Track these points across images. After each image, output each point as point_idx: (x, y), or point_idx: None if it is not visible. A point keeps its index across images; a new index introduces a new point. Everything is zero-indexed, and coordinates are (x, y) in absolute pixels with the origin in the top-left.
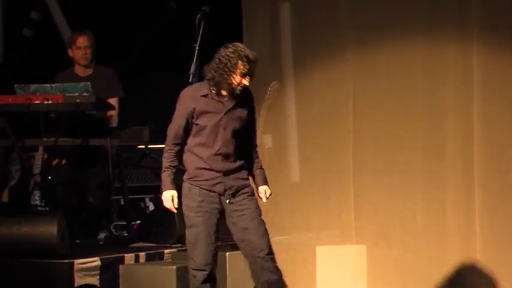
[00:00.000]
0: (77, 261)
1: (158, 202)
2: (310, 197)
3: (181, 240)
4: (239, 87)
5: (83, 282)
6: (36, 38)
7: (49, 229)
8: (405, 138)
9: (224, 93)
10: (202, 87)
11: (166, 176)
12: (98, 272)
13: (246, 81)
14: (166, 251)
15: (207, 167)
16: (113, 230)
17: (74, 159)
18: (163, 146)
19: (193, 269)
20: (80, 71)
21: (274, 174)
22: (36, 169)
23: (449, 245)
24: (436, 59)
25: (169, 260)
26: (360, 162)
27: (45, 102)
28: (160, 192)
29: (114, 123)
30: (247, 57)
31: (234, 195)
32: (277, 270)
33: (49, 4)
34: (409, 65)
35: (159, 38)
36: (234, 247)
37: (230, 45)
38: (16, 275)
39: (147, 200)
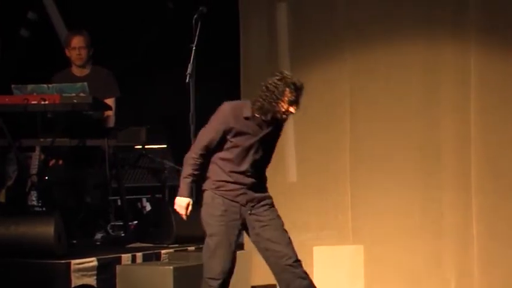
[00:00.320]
0: (73, 261)
1: (155, 202)
2: (307, 197)
3: (178, 240)
4: (284, 115)
5: (80, 283)
6: (33, 39)
7: (46, 229)
8: (402, 139)
9: (268, 119)
10: (245, 108)
11: (186, 183)
12: (95, 272)
13: (292, 109)
14: (163, 251)
15: (231, 180)
16: (110, 230)
17: (71, 159)
18: (160, 146)
19: (209, 278)
20: (76, 71)
21: (271, 175)
22: (33, 169)
23: (446, 246)
24: (434, 59)
25: (166, 260)
26: (357, 163)
27: (42, 102)
28: (162, 193)
29: (111, 123)
30: (294, 84)
31: (255, 206)
32: (306, 275)
33: (46, 4)
34: (406, 65)
35: (156, 38)
36: None
37: (277, 73)
38: (13, 275)
39: (144, 200)
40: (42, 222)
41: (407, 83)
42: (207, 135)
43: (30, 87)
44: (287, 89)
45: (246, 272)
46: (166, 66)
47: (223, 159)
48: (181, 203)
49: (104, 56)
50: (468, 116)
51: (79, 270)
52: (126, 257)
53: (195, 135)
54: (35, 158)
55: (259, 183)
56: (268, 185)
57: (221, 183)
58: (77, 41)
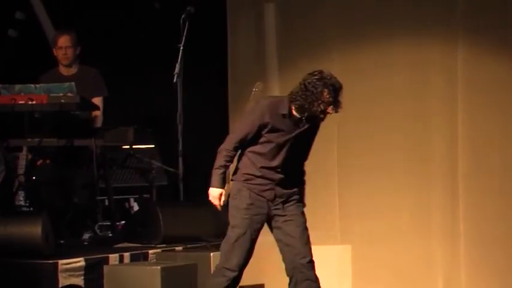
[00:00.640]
0: (61, 261)
1: (143, 202)
2: None
3: (166, 240)
4: (322, 115)
5: (67, 283)
6: (21, 38)
7: (33, 229)
8: (390, 139)
9: (304, 117)
10: (283, 105)
11: (218, 174)
12: (83, 272)
13: (330, 110)
14: (150, 251)
15: (260, 174)
16: (98, 231)
17: (59, 159)
18: (147, 146)
19: (226, 268)
20: (63, 70)
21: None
22: (21, 169)
23: (433, 245)
24: (421, 59)
25: (154, 260)
26: (345, 163)
27: (30, 102)
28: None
29: (99, 123)
30: (333, 85)
31: (284, 202)
32: (317, 278)
33: (34, 4)
34: (394, 65)
35: (143, 38)
36: (219, 248)
37: (316, 72)
38: (0, 275)
39: (131, 200)
40: (29, 222)
41: (395, 83)
42: (242, 128)
43: (17, 87)
44: (325, 90)
45: None
46: (153, 66)
47: (256, 153)
48: (214, 194)
49: (91, 55)
50: (456, 116)
51: (66, 270)
52: (113, 257)
53: (183, 135)
54: (23, 158)
55: (290, 180)
56: None
57: (249, 176)
58: (63, 41)
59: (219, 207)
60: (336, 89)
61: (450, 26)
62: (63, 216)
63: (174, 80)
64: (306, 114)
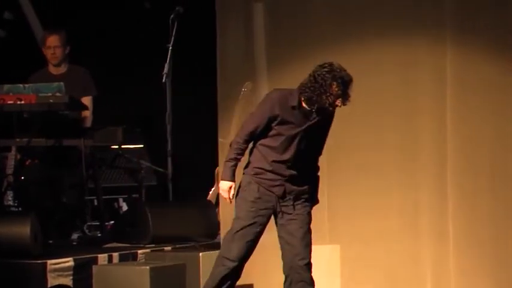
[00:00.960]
0: (50, 261)
1: (131, 202)
2: None
3: (155, 240)
4: (331, 108)
5: (56, 283)
6: (9, 38)
7: (22, 229)
8: (379, 139)
9: (314, 109)
10: (292, 97)
11: (229, 167)
12: (71, 272)
13: (338, 103)
14: (139, 251)
15: (271, 169)
16: (86, 231)
17: (47, 159)
18: (136, 146)
19: (225, 258)
20: (53, 69)
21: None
22: (9, 169)
23: (422, 245)
24: (410, 58)
25: (143, 260)
26: (334, 162)
27: (18, 102)
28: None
29: (88, 123)
30: (342, 78)
31: (295, 199)
32: (312, 281)
33: (22, 4)
34: (382, 64)
35: (133, 38)
36: (208, 248)
37: (326, 64)
38: None
39: (120, 200)
40: (18, 222)
41: (383, 83)
42: (253, 121)
43: (6, 87)
44: (334, 83)
45: None
46: (142, 66)
47: (266, 146)
48: (224, 187)
49: (80, 55)
50: (445, 116)
51: (55, 270)
52: (102, 257)
53: (172, 135)
54: (11, 158)
55: (301, 176)
56: None
57: (260, 170)
58: (52, 40)
59: (228, 201)
60: (344, 82)
61: (439, 25)
62: (52, 216)
63: (163, 80)
64: (315, 106)
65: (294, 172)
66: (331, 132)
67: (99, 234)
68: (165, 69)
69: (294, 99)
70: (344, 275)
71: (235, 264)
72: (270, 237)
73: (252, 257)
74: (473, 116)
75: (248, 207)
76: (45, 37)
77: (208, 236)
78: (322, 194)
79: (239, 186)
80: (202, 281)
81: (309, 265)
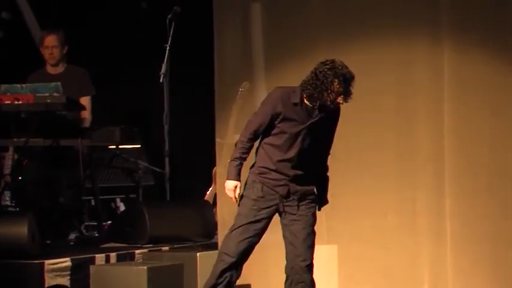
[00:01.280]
0: (47, 261)
1: (129, 203)
2: None
3: (152, 240)
4: (333, 105)
5: (54, 283)
6: (7, 38)
7: (20, 229)
8: (376, 138)
9: (316, 106)
10: (295, 94)
11: (234, 166)
12: (69, 272)
13: (340, 100)
14: (137, 251)
15: (275, 168)
16: (84, 231)
17: (45, 159)
18: (134, 146)
19: (224, 253)
20: (50, 69)
21: (244, 175)
22: (7, 169)
23: (420, 245)
24: (407, 57)
25: (140, 260)
26: (331, 162)
27: (16, 102)
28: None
29: (87, 123)
30: (343, 76)
31: (299, 200)
32: (312, 283)
33: (20, 4)
34: (380, 64)
35: (130, 38)
36: (205, 248)
37: (328, 61)
38: None
39: (118, 200)
40: (15, 222)
41: (381, 82)
42: (256, 119)
43: (3, 87)
44: (336, 80)
45: None
46: (140, 66)
47: (271, 144)
48: (229, 186)
49: (77, 55)
50: (442, 115)
51: (53, 270)
52: (100, 257)
53: (169, 135)
54: (9, 158)
55: (306, 175)
56: (243, 186)
57: (265, 169)
58: (50, 40)
59: (233, 200)
60: (346, 80)
61: (437, 25)
62: (49, 216)
63: (161, 80)
64: (317, 103)
65: (298, 172)
66: None
67: (96, 234)
68: (163, 69)
69: (296, 96)
70: (342, 275)
71: (233, 260)
72: (269, 238)
73: (250, 257)
74: (472, 116)
75: (250, 205)
76: (43, 37)
77: (206, 236)
78: None
79: (245, 184)
80: (200, 281)
81: (310, 266)
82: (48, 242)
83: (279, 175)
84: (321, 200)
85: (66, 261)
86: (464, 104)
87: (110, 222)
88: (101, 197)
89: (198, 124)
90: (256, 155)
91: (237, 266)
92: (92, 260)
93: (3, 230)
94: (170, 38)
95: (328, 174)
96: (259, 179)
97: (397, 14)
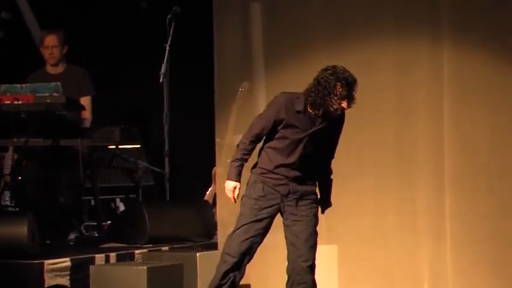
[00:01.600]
0: (47, 261)
1: (129, 203)
2: None
3: (152, 240)
4: (337, 111)
5: (53, 283)
6: (7, 38)
7: (19, 229)
8: (376, 137)
9: (319, 114)
10: (299, 101)
11: (235, 167)
12: (68, 272)
13: (344, 105)
14: (137, 251)
15: (275, 171)
16: (84, 231)
17: (45, 159)
18: (134, 146)
19: (226, 253)
20: (50, 69)
21: (246, 176)
22: (7, 169)
23: (419, 244)
24: (407, 57)
25: (140, 260)
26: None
27: (16, 102)
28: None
29: (87, 123)
30: (346, 79)
31: (298, 200)
32: (314, 283)
33: (20, 4)
34: (380, 64)
35: (130, 38)
36: (205, 248)
37: (330, 67)
38: None
39: (117, 200)
40: (15, 222)
41: (381, 82)
42: (259, 122)
43: (3, 87)
44: (338, 84)
45: None
46: (140, 66)
47: (273, 148)
48: (229, 186)
49: (77, 55)
50: (442, 115)
51: (52, 270)
52: (99, 257)
53: (169, 135)
54: (8, 158)
55: (306, 177)
56: (242, 186)
57: (265, 171)
58: (50, 40)
59: (233, 200)
60: (349, 83)
61: (436, 25)
62: (49, 216)
63: (161, 80)
64: (320, 110)
65: (298, 173)
66: None
67: (96, 234)
68: (163, 69)
69: (300, 104)
70: (342, 275)
71: (235, 259)
72: (270, 238)
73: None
74: (471, 116)
75: (252, 204)
76: (43, 37)
77: (206, 236)
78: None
79: (247, 185)
80: (200, 280)
81: (311, 267)
82: (48, 242)
83: (280, 176)
84: (324, 202)
85: (66, 261)
86: (464, 104)
87: (109, 222)
88: (100, 197)
89: (198, 124)
90: (258, 156)
91: (239, 266)
92: (92, 260)
93: (3, 230)
94: (170, 38)
95: (332, 177)
96: (260, 179)
97: (397, 14)
